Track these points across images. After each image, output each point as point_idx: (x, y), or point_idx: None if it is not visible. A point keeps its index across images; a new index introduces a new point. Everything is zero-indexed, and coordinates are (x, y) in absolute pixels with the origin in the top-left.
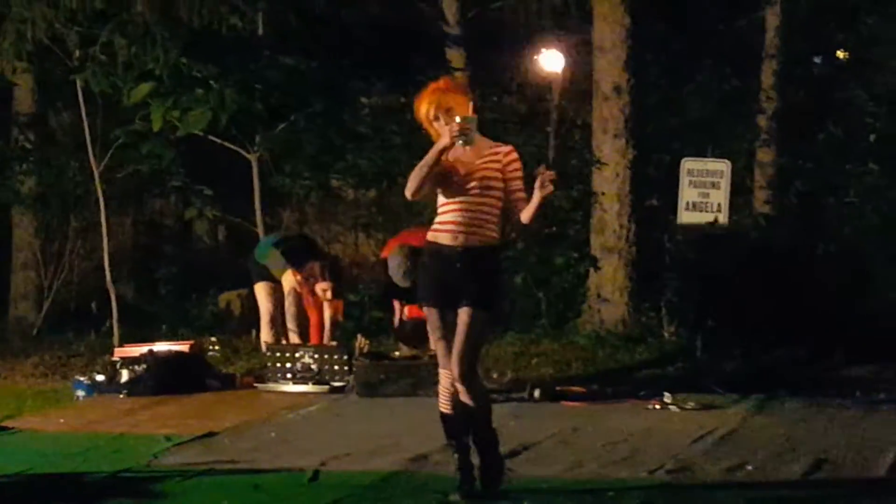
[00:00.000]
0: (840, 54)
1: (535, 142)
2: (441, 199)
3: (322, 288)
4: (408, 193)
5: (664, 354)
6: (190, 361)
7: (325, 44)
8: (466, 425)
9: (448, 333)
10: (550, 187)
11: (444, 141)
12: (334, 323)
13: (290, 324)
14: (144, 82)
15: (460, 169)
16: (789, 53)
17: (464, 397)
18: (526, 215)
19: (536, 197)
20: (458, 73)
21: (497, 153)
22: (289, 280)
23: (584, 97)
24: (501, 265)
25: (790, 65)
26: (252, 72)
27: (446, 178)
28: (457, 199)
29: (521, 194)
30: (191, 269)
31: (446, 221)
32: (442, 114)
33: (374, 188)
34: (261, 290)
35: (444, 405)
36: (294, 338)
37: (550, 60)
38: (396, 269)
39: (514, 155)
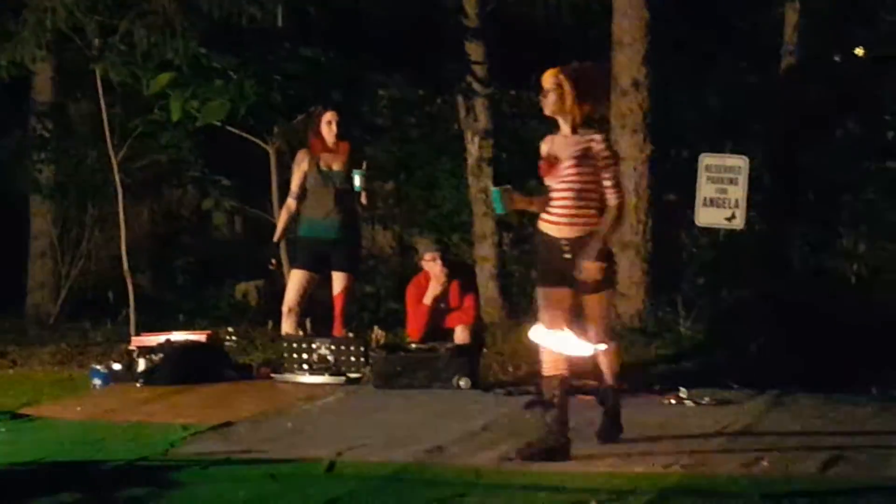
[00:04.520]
0: (858, 51)
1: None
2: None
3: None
4: None
5: (680, 350)
6: (207, 351)
7: (344, 36)
8: (566, 387)
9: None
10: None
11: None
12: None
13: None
14: (164, 72)
15: (557, 160)
16: (808, 50)
17: (602, 357)
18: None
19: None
20: (476, 66)
21: (591, 140)
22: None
23: None
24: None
25: (809, 61)
26: (271, 63)
27: (548, 170)
28: (558, 189)
29: (608, 183)
30: (208, 259)
31: (552, 212)
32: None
33: (392, 180)
34: (293, 277)
35: (548, 370)
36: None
37: None
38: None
39: (605, 144)
